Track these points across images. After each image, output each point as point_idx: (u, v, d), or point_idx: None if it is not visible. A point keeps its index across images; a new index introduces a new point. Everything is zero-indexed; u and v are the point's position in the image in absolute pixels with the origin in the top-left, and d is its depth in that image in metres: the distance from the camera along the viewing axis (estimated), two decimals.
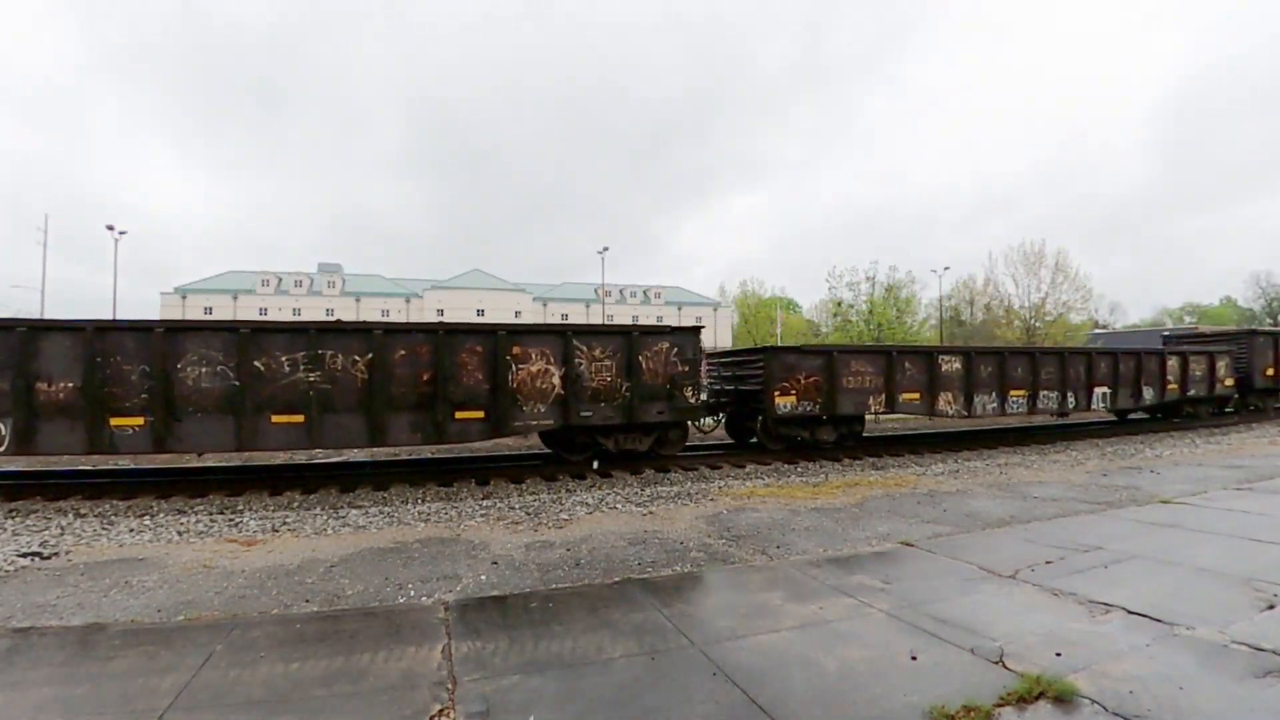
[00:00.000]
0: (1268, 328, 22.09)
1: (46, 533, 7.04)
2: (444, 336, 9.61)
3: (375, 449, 10.19)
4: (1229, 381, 18.82)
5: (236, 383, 8.74)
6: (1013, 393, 14.38)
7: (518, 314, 67.93)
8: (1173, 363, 17.25)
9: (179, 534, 6.96)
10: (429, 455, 12.72)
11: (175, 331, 8.80)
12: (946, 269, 73.54)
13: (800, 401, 12.13)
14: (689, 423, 11.66)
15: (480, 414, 9.74)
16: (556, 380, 10.15)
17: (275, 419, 8.92)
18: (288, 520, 7.50)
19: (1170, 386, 17.02)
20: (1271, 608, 4.39)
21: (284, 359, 8.96)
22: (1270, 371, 20.19)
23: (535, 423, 10.15)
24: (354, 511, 8.01)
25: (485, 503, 8.43)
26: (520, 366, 9.95)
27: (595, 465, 10.91)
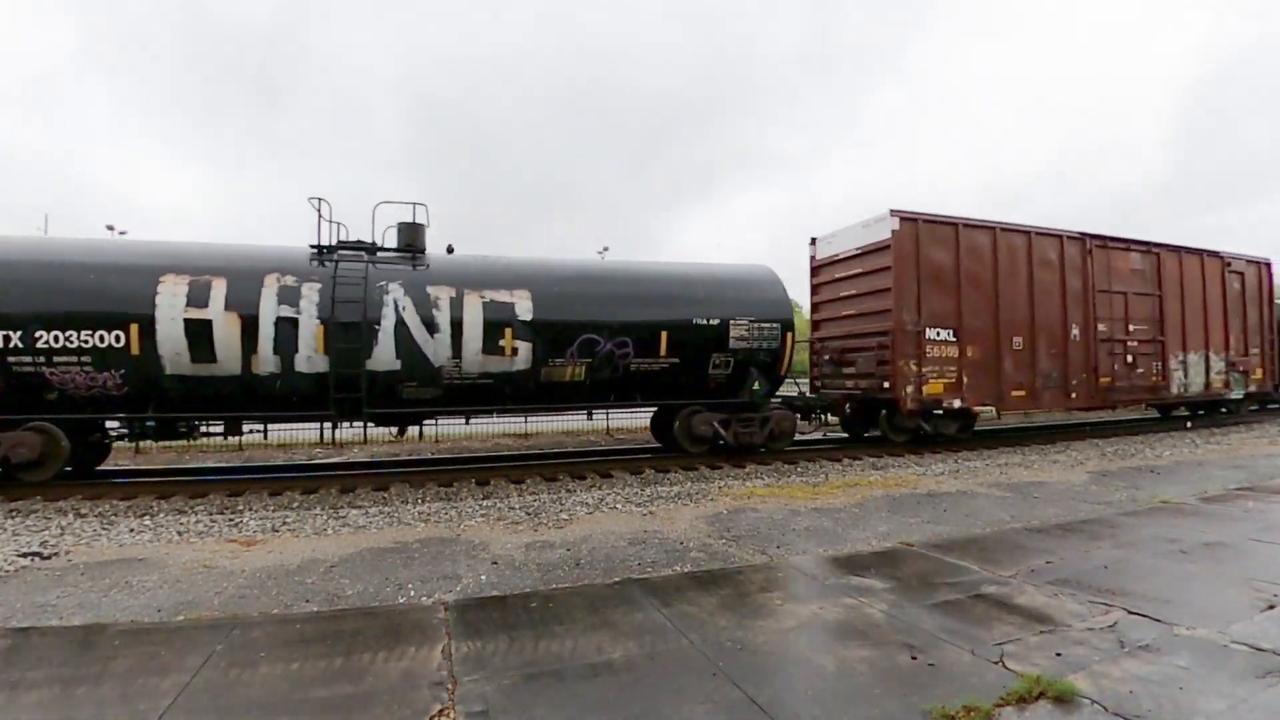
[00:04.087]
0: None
1: (46, 533, 7.03)
2: None
3: None
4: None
5: None
6: None
7: None
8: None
9: (179, 534, 6.96)
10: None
11: None
12: None
13: None
14: None
15: None
16: None
17: None
18: (288, 520, 7.50)
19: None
20: (1271, 608, 4.39)
21: None
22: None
23: None
24: (354, 511, 8.01)
25: (485, 503, 8.43)
26: None
27: None
